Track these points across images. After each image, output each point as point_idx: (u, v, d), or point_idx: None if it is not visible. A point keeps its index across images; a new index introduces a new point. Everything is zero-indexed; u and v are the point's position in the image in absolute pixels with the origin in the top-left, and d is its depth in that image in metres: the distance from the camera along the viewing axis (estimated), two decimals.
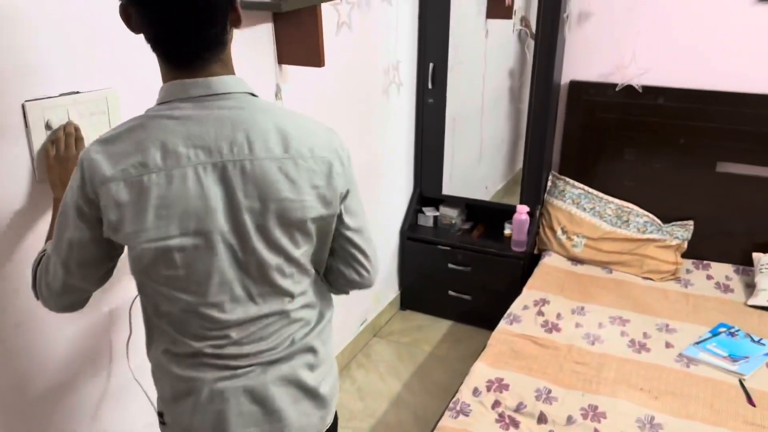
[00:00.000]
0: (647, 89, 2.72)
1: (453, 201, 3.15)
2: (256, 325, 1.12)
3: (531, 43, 2.80)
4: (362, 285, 1.27)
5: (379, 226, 2.95)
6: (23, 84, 1.31)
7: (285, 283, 1.12)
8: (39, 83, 1.34)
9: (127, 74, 1.52)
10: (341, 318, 2.54)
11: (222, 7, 1.00)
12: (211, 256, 1.04)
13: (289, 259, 1.11)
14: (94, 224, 1.04)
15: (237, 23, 1.04)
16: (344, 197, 1.15)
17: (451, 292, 3.07)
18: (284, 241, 1.08)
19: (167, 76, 1.03)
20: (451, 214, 3.12)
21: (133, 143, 1.00)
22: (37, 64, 1.33)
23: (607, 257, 2.76)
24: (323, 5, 2.05)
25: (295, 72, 2.14)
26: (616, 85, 2.76)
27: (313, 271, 1.20)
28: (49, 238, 1.22)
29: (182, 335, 1.11)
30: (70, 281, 1.09)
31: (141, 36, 1.47)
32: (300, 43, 2.04)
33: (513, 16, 2.96)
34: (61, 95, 1.38)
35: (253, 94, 1.07)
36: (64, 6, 1.36)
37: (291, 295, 1.14)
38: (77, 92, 1.41)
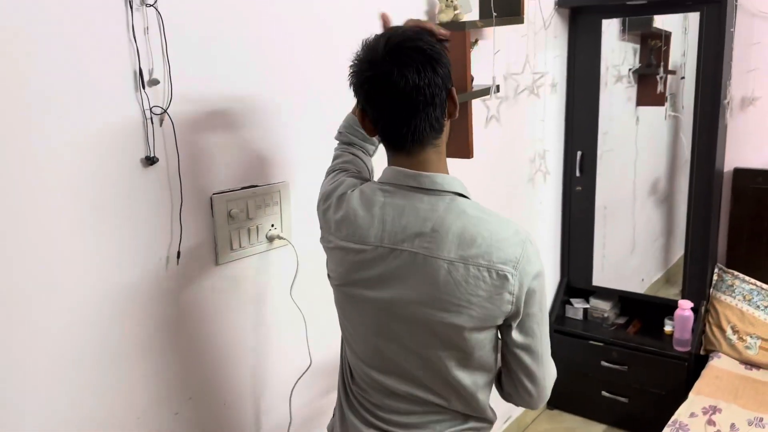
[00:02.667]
0: None
1: (605, 293, 2.99)
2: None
3: (687, 129, 2.68)
4: (522, 405, 1.21)
5: None
6: (211, 180, 1.48)
7: (416, 372, 1.13)
8: (224, 179, 1.50)
9: (296, 169, 1.66)
10: None
11: (439, 96, 1.06)
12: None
13: (424, 354, 1.12)
14: None
15: (453, 113, 1.11)
16: (514, 314, 1.08)
17: (605, 393, 2.85)
18: (425, 336, 1.10)
19: (390, 160, 1.14)
20: (603, 306, 2.95)
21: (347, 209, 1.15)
22: (222, 163, 1.49)
23: None
24: (473, 101, 2.13)
25: None
26: None
27: (458, 376, 1.13)
28: None
29: None
30: None
31: (308, 135, 1.64)
32: (451, 136, 2.10)
33: (665, 102, 2.87)
34: (242, 188, 1.53)
35: (459, 194, 1.10)
36: (242, 114, 1.53)
37: (415, 381, 1.15)
38: (255, 186, 1.56)
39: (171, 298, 1.43)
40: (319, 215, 1.23)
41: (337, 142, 1.40)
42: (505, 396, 1.22)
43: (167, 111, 1.35)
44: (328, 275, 1.22)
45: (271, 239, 1.61)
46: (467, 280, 1.04)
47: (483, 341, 1.10)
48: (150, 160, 1.34)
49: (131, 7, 1.27)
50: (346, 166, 1.29)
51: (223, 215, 1.50)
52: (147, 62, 1.31)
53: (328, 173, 1.30)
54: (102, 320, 1.32)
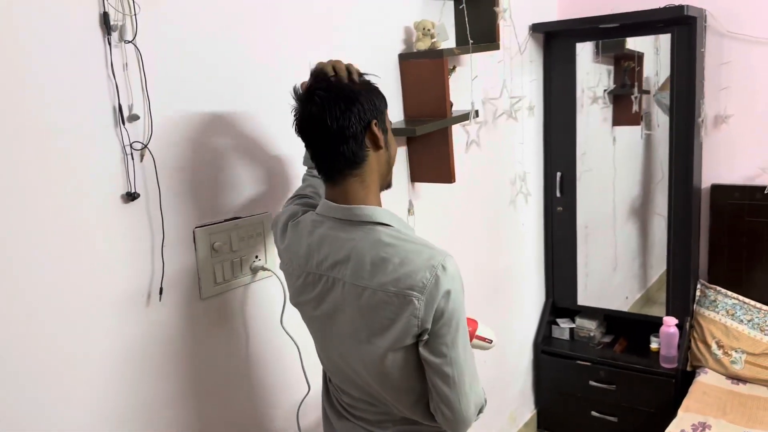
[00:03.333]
0: None
1: (590, 312, 3.00)
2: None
3: (662, 146, 2.73)
4: (445, 426, 1.21)
5: (510, 339, 2.86)
6: (193, 214, 1.46)
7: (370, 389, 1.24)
8: (206, 212, 1.49)
9: (279, 200, 1.66)
10: None
11: (349, 130, 1.15)
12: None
13: (356, 372, 1.23)
14: None
15: (376, 144, 1.19)
16: (421, 333, 1.11)
17: (594, 413, 2.84)
18: (354, 358, 1.22)
19: (324, 191, 1.25)
20: (588, 326, 2.96)
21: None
22: (204, 196, 1.48)
23: None
24: (454, 126, 2.14)
25: (426, 188, 2.22)
26: (764, 187, 2.59)
27: (389, 397, 1.23)
28: None
29: None
30: None
31: (290, 165, 1.68)
32: (432, 162, 2.13)
33: (641, 122, 2.93)
34: (224, 221, 1.52)
35: (382, 223, 1.17)
36: (223, 146, 1.53)
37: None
38: (238, 218, 1.55)
39: (154, 336, 1.41)
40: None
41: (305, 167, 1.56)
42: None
43: (147, 146, 1.34)
44: None
45: (255, 271, 1.60)
46: (379, 305, 1.12)
47: (401, 361, 1.15)
48: (131, 196, 1.32)
49: (110, 44, 1.27)
50: (303, 191, 1.46)
51: (206, 249, 1.48)
52: (126, 98, 1.31)
53: (288, 199, 1.46)
54: (80, 361, 1.29)
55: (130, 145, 1.32)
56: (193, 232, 1.46)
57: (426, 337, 1.12)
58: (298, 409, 1.68)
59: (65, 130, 1.22)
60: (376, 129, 1.18)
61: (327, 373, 1.40)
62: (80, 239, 1.26)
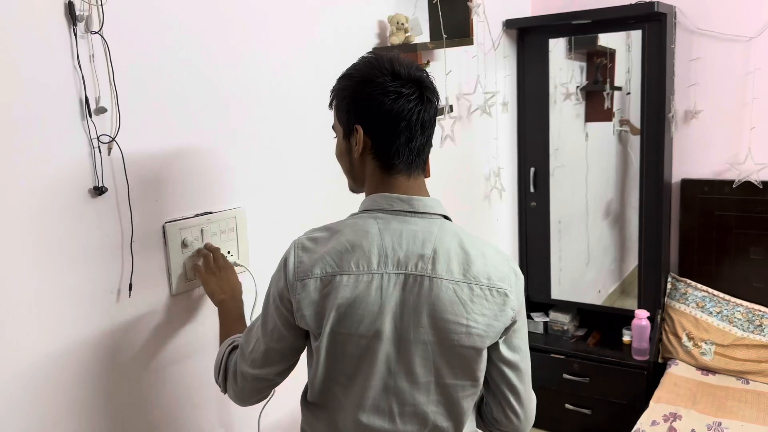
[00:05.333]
0: None
1: (563, 306, 3.03)
2: None
3: (634, 142, 2.77)
4: (509, 430, 1.18)
5: None
6: (164, 208, 1.44)
7: (428, 407, 1.08)
8: (177, 207, 1.47)
9: (253, 194, 1.64)
10: None
11: (434, 128, 1.12)
12: (369, 359, 1.05)
13: (440, 383, 1.08)
14: (291, 313, 1.09)
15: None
16: (507, 329, 1.09)
17: (568, 406, 2.87)
18: (439, 362, 1.06)
19: (377, 187, 1.10)
20: (562, 319, 2.99)
21: (334, 245, 1.06)
22: (174, 191, 1.46)
23: (742, 366, 2.51)
24: None
25: None
26: (732, 181, 2.64)
27: (465, 407, 1.11)
28: (222, 340, 1.32)
29: None
30: (263, 375, 1.14)
31: (264, 158, 1.61)
32: None
33: (612, 118, 2.96)
34: (196, 216, 1.50)
35: (446, 217, 1.12)
36: (195, 139, 1.51)
37: (426, 422, 1.09)
38: (210, 212, 1.53)
39: (124, 333, 1.38)
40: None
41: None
42: (487, 423, 1.20)
43: (115, 139, 1.32)
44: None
45: None
46: (472, 300, 1.05)
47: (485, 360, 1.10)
48: (98, 190, 1.30)
49: (75, 35, 1.24)
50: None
51: (177, 244, 1.46)
52: (93, 90, 1.28)
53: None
54: (49, 359, 1.26)
55: (98, 138, 1.29)
56: (163, 227, 1.44)
57: (509, 333, 1.09)
58: (261, 412, 1.65)
59: (30, 123, 1.19)
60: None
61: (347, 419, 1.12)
62: (46, 234, 1.23)
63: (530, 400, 1.18)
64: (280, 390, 1.57)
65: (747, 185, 2.61)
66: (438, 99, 1.12)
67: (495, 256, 1.09)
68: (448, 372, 1.07)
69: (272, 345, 1.12)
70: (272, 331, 1.11)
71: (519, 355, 1.13)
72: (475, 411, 1.20)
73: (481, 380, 1.12)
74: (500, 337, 1.09)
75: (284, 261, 1.09)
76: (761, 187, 2.59)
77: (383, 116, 1.06)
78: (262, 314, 1.15)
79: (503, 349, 1.10)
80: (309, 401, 1.17)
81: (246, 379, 1.16)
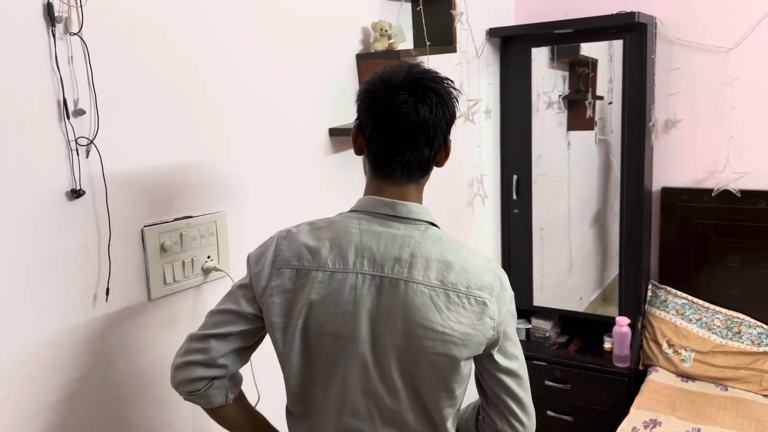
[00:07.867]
0: (746, 193, 2.62)
1: (545, 313, 3.04)
2: None
3: (615, 151, 2.80)
4: None
5: None
6: (142, 212, 1.42)
7: (407, 414, 1.07)
8: (156, 210, 1.45)
9: (233, 198, 1.63)
10: None
11: (437, 140, 1.08)
12: (344, 360, 1.05)
13: (414, 390, 1.06)
14: (259, 296, 1.09)
15: (442, 162, 1.12)
16: (496, 341, 1.08)
17: (549, 413, 2.88)
18: (413, 369, 1.05)
19: (369, 188, 1.13)
20: (544, 326, 3.00)
21: (315, 240, 1.09)
22: (153, 194, 1.45)
23: (721, 373, 2.54)
24: None
25: None
26: (711, 190, 2.67)
27: (443, 417, 1.09)
28: None
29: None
30: (206, 333, 1.12)
31: (245, 161, 1.59)
32: None
33: (594, 127, 2.99)
34: (175, 220, 1.49)
35: (433, 224, 1.11)
36: (174, 143, 1.50)
37: (406, 428, 1.08)
38: (190, 216, 1.52)
39: (101, 338, 1.36)
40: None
41: None
42: None
43: (93, 142, 1.30)
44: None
45: (207, 271, 1.56)
46: (448, 307, 1.04)
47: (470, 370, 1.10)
48: (76, 193, 1.28)
49: (54, 36, 1.23)
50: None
51: (155, 248, 1.44)
52: (72, 92, 1.26)
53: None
54: (23, 367, 1.23)
55: (76, 140, 1.27)
56: (142, 231, 1.42)
57: (500, 343, 1.08)
58: None
59: (6, 124, 1.17)
60: (450, 143, 1.12)
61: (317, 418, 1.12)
62: (22, 237, 1.21)
63: (532, 408, 1.16)
64: (264, 399, 1.57)
65: (726, 194, 2.65)
66: (447, 107, 1.07)
67: (481, 265, 1.08)
68: (421, 379, 1.06)
69: (227, 306, 1.12)
70: (232, 295, 1.13)
71: (516, 362, 1.12)
72: (454, 427, 1.16)
73: (458, 395, 1.09)
74: (492, 348, 1.08)
75: (265, 246, 1.12)
76: (739, 195, 2.62)
77: (370, 121, 1.08)
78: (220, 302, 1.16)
79: (499, 359, 1.09)
80: (290, 410, 1.16)
81: (189, 339, 1.14)
